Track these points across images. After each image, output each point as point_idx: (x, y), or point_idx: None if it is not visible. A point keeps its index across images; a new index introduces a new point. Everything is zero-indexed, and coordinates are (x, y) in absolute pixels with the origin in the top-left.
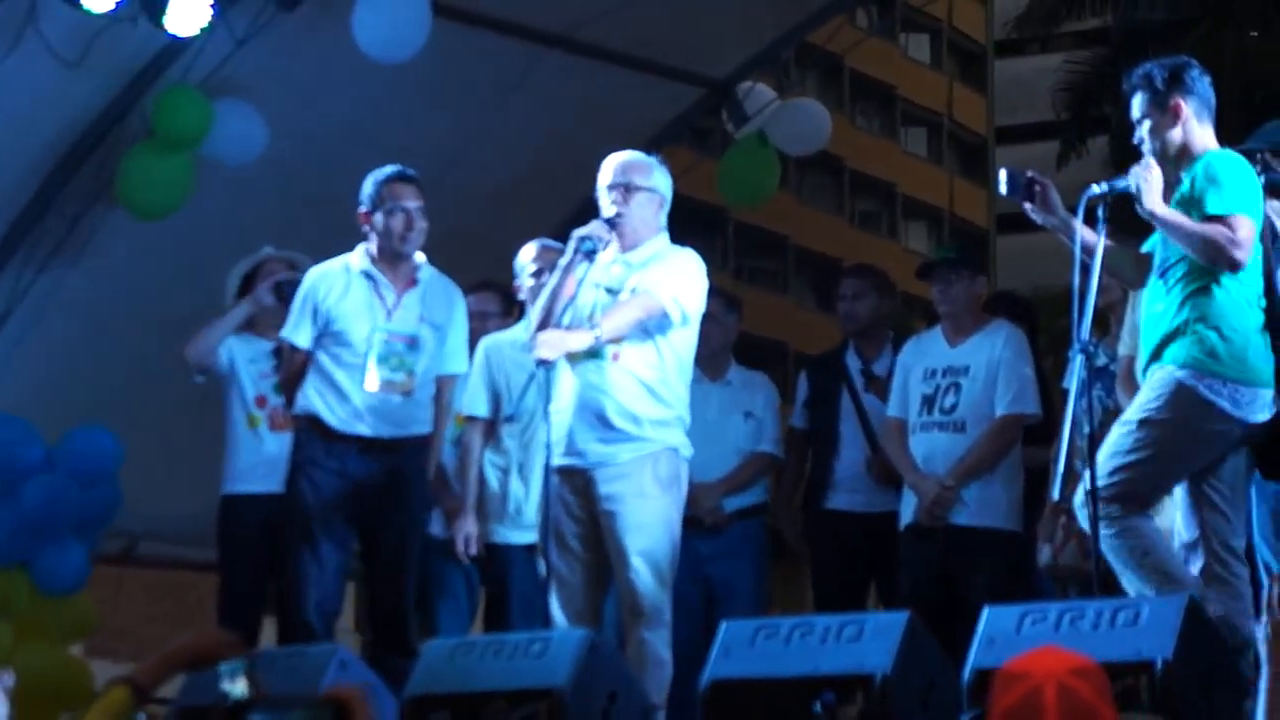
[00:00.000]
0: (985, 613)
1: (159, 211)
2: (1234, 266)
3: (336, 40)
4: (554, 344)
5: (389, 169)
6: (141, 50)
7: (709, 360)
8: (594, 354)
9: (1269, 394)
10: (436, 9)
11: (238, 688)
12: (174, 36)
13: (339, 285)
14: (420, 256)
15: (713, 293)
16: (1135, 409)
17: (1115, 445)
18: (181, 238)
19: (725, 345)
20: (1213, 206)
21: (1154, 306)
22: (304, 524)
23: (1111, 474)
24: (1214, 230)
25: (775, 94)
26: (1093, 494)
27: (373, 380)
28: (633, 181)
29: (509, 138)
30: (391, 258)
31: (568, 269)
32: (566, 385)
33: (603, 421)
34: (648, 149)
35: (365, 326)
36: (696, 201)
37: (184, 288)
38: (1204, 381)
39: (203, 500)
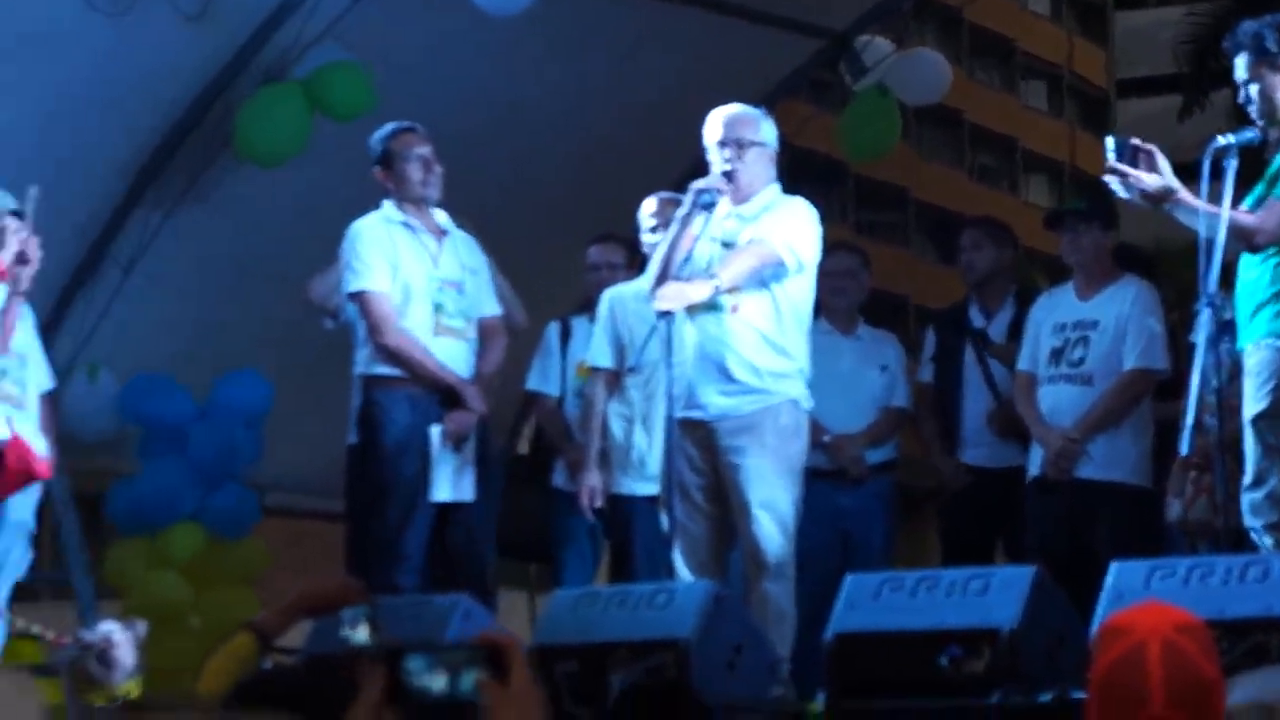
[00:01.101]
0: (1113, 567)
1: (275, 157)
2: (1252, 250)
3: None
4: (674, 296)
5: (390, 125)
6: (261, 4)
7: (842, 314)
8: (713, 306)
9: None
10: None
11: (359, 634)
12: None
13: (388, 237)
14: (441, 214)
15: (849, 248)
16: (1252, 401)
17: (1257, 453)
18: (301, 192)
19: (859, 300)
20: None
21: (1248, 274)
22: (393, 486)
23: (1258, 485)
24: (1238, 219)
25: (894, 46)
26: (1221, 447)
27: (439, 328)
28: (744, 137)
29: (626, 92)
30: (417, 205)
31: (685, 221)
32: (687, 338)
33: (723, 374)
34: (765, 102)
35: (421, 276)
36: (815, 155)
37: (305, 240)
38: None
39: (329, 449)
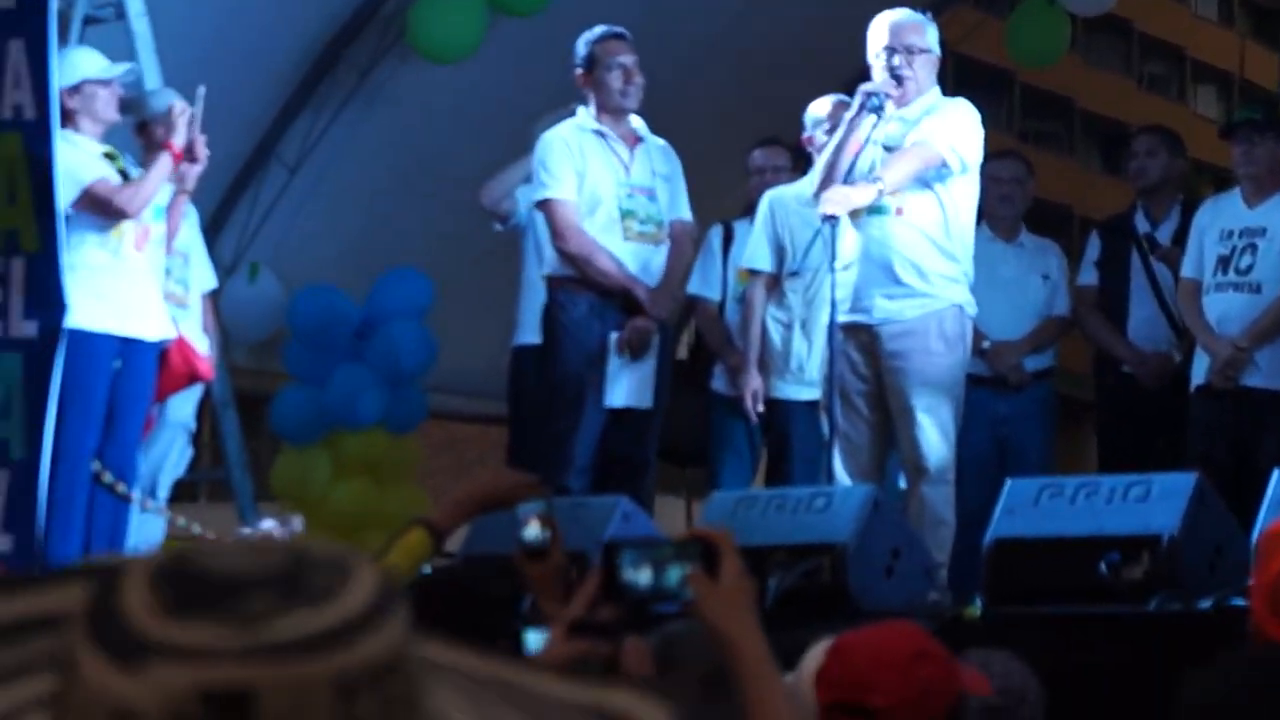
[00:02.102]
0: (1275, 475)
1: (448, 53)
2: None
3: None
4: (839, 200)
5: (599, 28)
6: None
7: (1007, 222)
8: (878, 209)
9: None
10: None
11: (531, 530)
12: None
13: (577, 145)
14: (637, 120)
15: (1014, 155)
16: None
17: None
18: (469, 91)
19: (1024, 208)
20: None
21: None
22: (568, 388)
23: None
24: None
25: None
26: None
27: (629, 234)
28: (913, 43)
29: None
30: (615, 114)
31: (853, 124)
32: (852, 241)
33: (890, 277)
34: (934, 8)
35: (610, 183)
36: (982, 63)
37: (473, 141)
38: None
39: (491, 352)
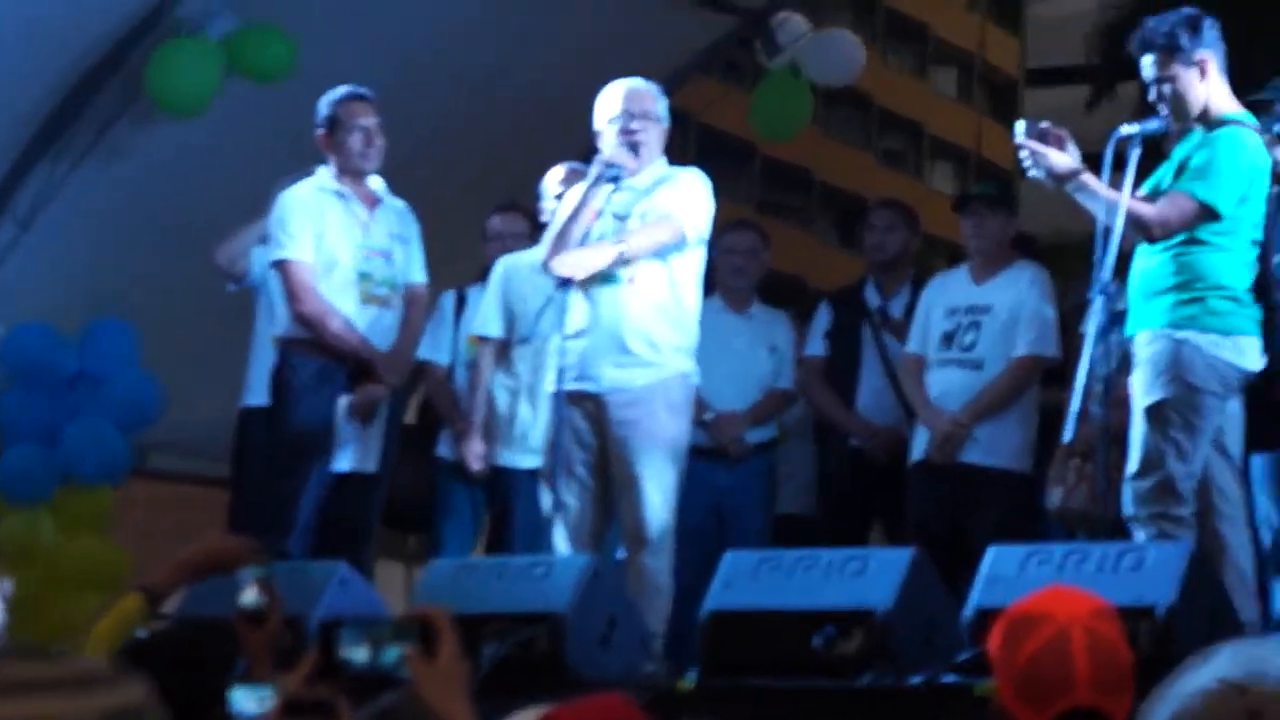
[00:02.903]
0: (990, 552)
1: (187, 108)
2: (1150, 241)
3: None
4: (575, 263)
5: (342, 89)
6: None
7: (739, 293)
8: (610, 279)
9: (1258, 342)
10: None
11: (249, 596)
12: None
13: (316, 206)
14: (377, 180)
15: (749, 226)
16: (1145, 391)
17: (1150, 442)
18: (211, 150)
19: (758, 279)
20: (1182, 185)
21: (1146, 261)
22: (294, 450)
23: (1148, 474)
24: (1137, 209)
25: (809, 26)
26: (1105, 437)
27: (366, 297)
28: (650, 111)
29: (535, 62)
30: (355, 175)
31: (588, 193)
32: (581, 310)
33: (619, 346)
34: (676, 78)
35: (348, 245)
36: (724, 134)
37: (214, 199)
38: (1206, 337)
39: (217, 412)
